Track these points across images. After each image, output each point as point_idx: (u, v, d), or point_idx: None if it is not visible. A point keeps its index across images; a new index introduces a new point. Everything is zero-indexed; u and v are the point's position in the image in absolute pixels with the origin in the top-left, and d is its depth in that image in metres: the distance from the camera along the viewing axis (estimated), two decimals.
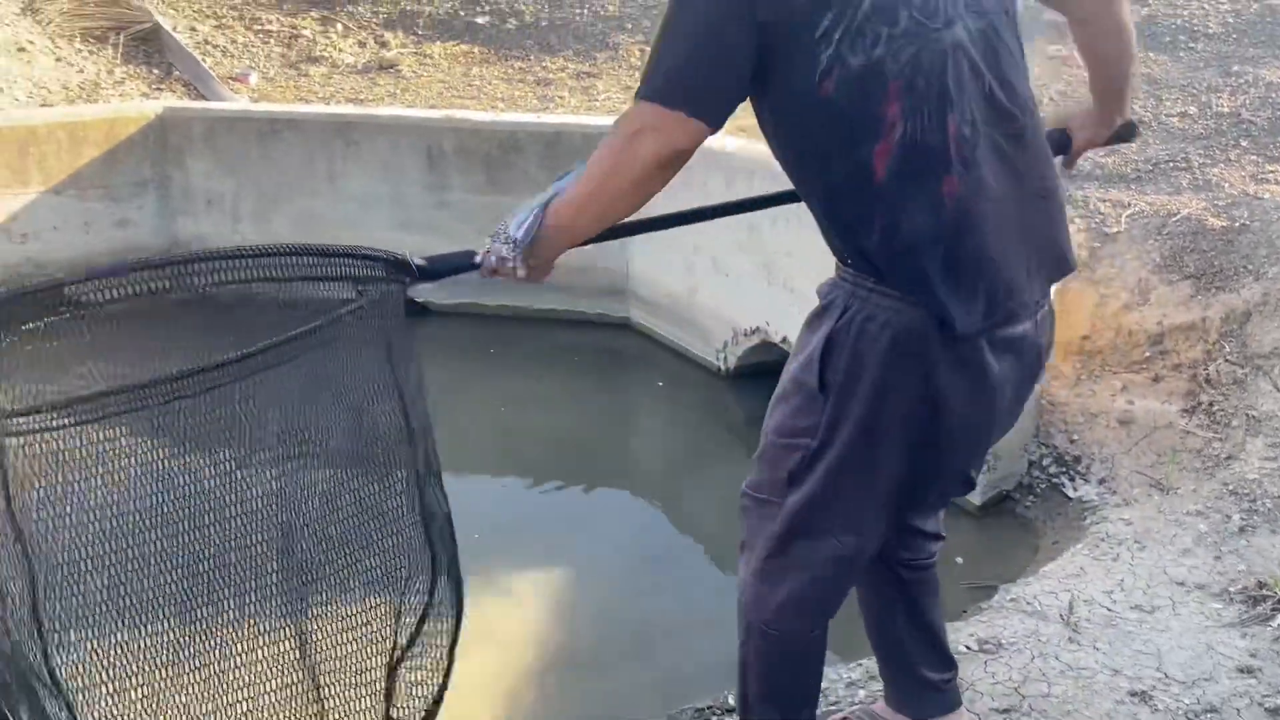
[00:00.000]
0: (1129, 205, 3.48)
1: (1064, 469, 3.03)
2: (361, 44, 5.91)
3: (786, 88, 1.42)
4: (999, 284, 1.51)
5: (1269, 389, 2.75)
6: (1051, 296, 1.65)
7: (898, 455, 1.58)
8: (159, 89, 5.32)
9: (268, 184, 4.59)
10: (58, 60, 5.46)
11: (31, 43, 5.47)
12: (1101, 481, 2.93)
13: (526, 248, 1.53)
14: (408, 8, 6.18)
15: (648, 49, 5.72)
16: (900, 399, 1.53)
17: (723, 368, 4.01)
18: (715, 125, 1.41)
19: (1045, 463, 3.06)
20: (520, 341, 4.41)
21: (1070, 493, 2.96)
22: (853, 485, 1.61)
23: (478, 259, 1.57)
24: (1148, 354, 3.11)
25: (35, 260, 4.45)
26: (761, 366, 3.77)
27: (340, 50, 5.81)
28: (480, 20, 6.05)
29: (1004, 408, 1.64)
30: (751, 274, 3.76)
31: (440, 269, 1.57)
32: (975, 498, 2.99)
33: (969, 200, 1.46)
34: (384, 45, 5.88)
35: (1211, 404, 2.89)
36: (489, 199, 4.45)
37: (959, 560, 2.86)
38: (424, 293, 4.61)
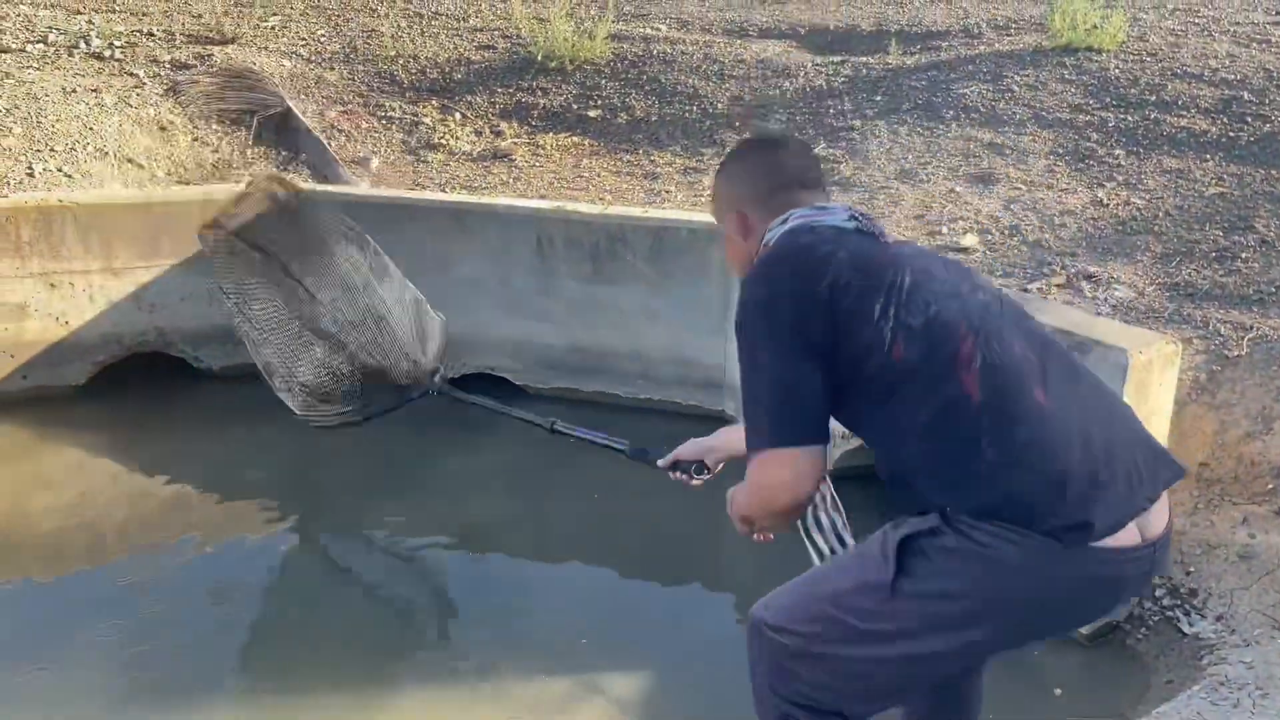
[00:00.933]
0: (1251, 328, 3.37)
1: (1179, 602, 2.89)
2: (478, 133, 6.14)
3: (863, 366, 1.62)
4: (1119, 479, 1.58)
5: None
6: (1167, 513, 1.68)
7: (953, 657, 1.68)
8: (286, 170, 5.59)
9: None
10: (195, 140, 5.80)
11: (173, 122, 5.83)
12: (1219, 618, 2.79)
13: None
14: (523, 99, 6.41)
15: None
16: (994, 628, 1.62)
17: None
18: (825, 440, 1.64)
19: (1159, 594, 2.93)
20: (614, 429, 4.44)
21: (1185, 628, 2.82)
22: (890, 676, 1.70)
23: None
24: (1270, 486, 2.98)
25: (160, 329, 4.67)
26: (861, 470, 3.71)
27: (457, 138, 6.05)
28: (592, 114, 6.24)
29: (1093, 614, 1.74)
30: None
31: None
32: (1083, 628, 2.88)
33: (1065, 408, 1.60)
34: (499, 135, 6.10)
35: None
36: (594, 289, 4.54)
37: (1058, 692, 2.75)
38: (521, 375, 4.69)
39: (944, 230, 4.45)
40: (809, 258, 1.68)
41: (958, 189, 4.91)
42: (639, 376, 4.60)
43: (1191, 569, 2.92)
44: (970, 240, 4.31)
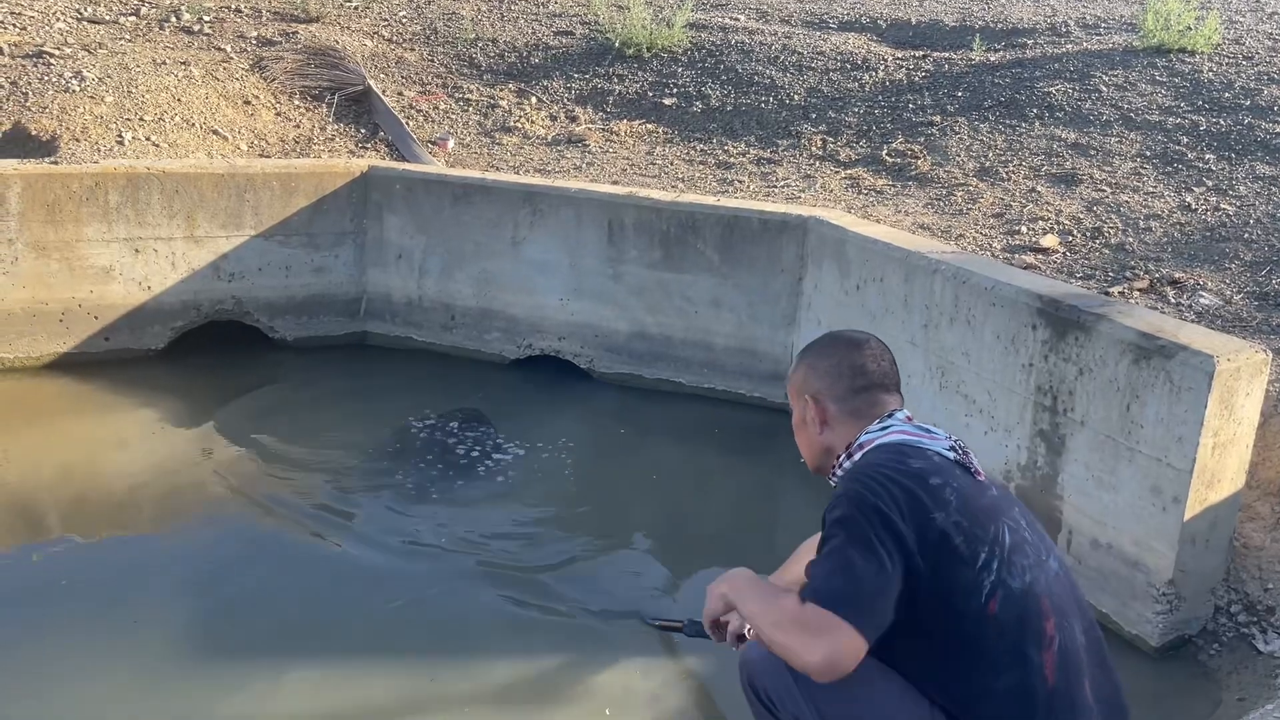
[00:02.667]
0: None
1: (1255, 619, 2.80)
2: (553, 117, 6.16)
3: (949, 608, 1.65)
4: None
5: None
6: None
7: None
8: (364, 147, 5.68)
9: (455, 244, 4.80)
10: (277, 115, 5.91)
11: (257, 97, 5.95)
12: None
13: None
14: (599, 85, 6.42)
15: (829, 139, 5.75)
16: None
17: None
18: (870, 640, 1.62)
19: (1234, 610, 2.84)
20: (677, 416, 4.44)
21: (1260, 646, 2.73)
22: None
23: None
24: None
25: (237, 297, 4.78)
26: None
27: (533, 122, 6.08)
28: (667, 101, 6.22)
29: None
30: (922, 375, 3.68)
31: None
32: (1153, 638, 2.80)
33: (1101, 701, 1.70)
34: (574, 120, 6.12)
35: None
36: (663, 275, 4.54)
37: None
38: (585, 359, 4.71)
39: (1023, 230, 4.36)
40: (925, 485, 1.69)
41: (1039, 189, 4.80)
42: (704, 365, 4.59)
43: (1270, 586, 2.83)
44: (1050, 241, 4.21)
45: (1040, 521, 1.89)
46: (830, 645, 1.58)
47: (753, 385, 4.52)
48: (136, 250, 4.56)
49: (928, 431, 1.84)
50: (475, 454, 4.01)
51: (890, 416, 1.88)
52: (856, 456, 1.85)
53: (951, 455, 1.79)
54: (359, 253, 4.92)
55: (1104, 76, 5.80)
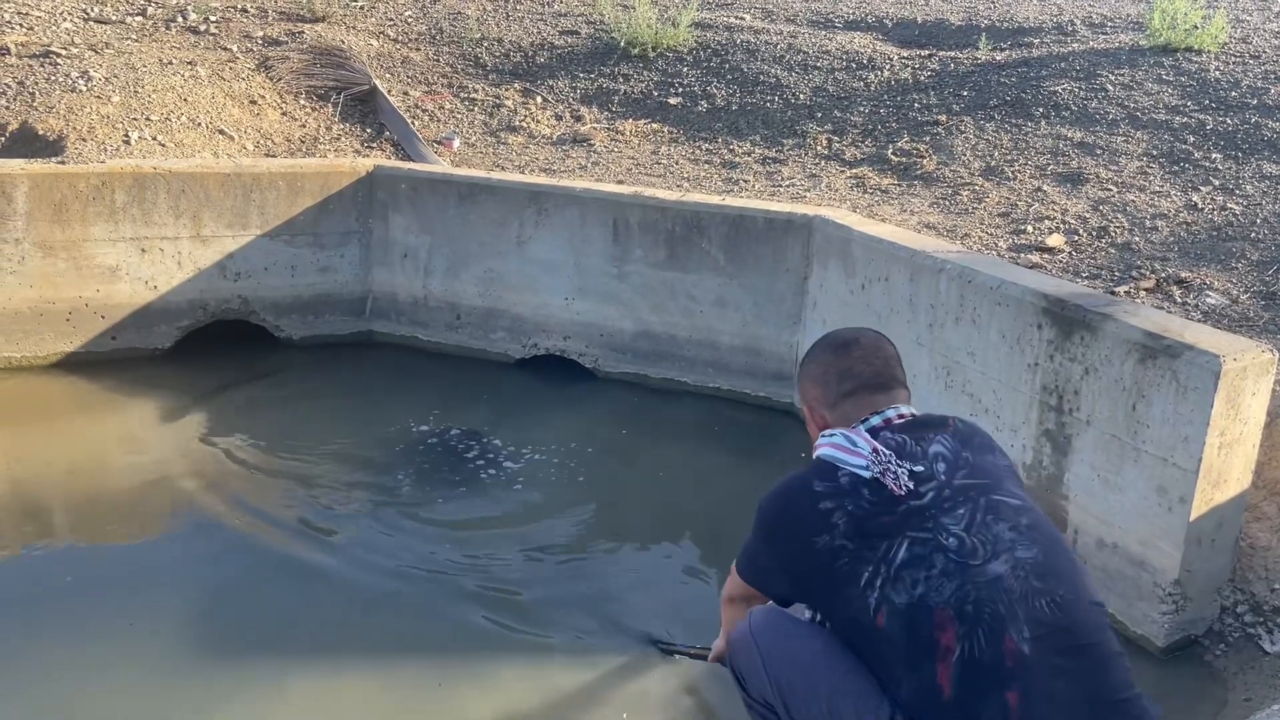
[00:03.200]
0: None
1: (1261, 619, 2.79)
2: (558, 117, 6.17)
3: (846, 616, 1.76)
4: None
5: None
6: None
7: None
8: (370, 146, 5.68)
9: (460, 243, 4.81)
10: (283, 114, 5.92)
11: (263, 96, 5.96)
12: None
13: None
14: (604, 85, 6.42)
15: (834, 138, 5.75)
16: None
17: None
18: (755, 594, 2.04)
19: (1240, 610, 2.83)
20: (682, 416, 4.44)
21: (1268, 646, 2.73)
22: None
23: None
24: None
25: (243, 297, 4.79)
26: None
27: (538, 122, 6.08)
28: (672, 101, 6.22)
29: None
30: (928, 375, 3.67)
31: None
32: (1159, 639, 2.80)
33: (1034, 713, 1.62)
34: (579, 119, 6.12)
35: None
36: (668, 274, 4.54)
37: None
38: (591, 359, 4.71)
39: (1029, 229, 4.35)
40: (811, 510, 1.81)
41: (1045, 188, 4.79)
42: (709, 365, 4.59)
43: (1276, 586, 2.82)
44: (1056, 240, 4.20)
45: (1030, 516, 1.82)
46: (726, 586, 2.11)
47: (758, 385, 4.52)
48: (143, 250, 4.58)
49: (852, 446, 1.85)
50: (480, 459, 4.02)
51: (865, 421, 1.90)
52: (778, 484, 1.94)
53: (866, 474, 1.80)
54: (365, 252, 4.93)
55: (1110, 75, 5.79)
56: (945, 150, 5.30)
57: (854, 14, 7.50)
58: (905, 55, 6.50)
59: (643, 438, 4.28)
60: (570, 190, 4.66)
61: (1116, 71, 5.84)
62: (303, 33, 6.70)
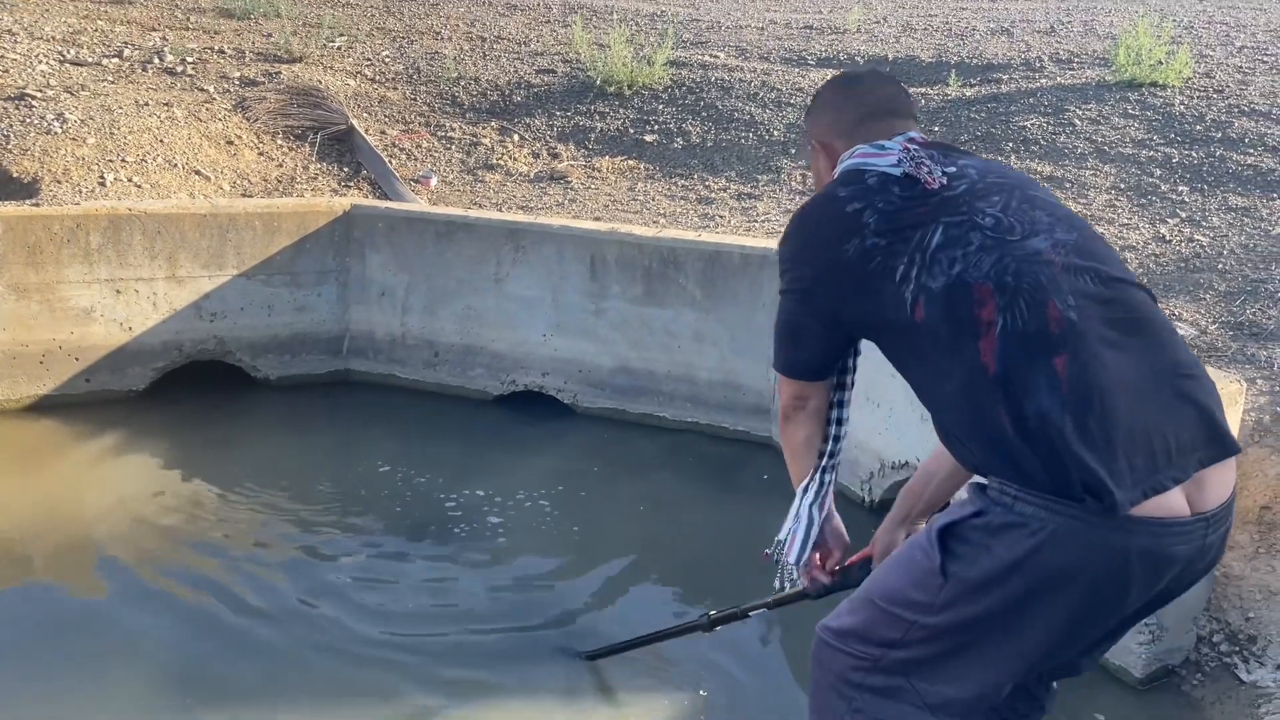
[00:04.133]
0: None
1: (1237, 648, 2.81)
2: (535, 154, 6.21)
3: (888, 326, 1.68)
4: (1138, 452, 1.52)
5: None
6: (1225, 489, 1.59)
7: (1012, 654, 1.61)
8: (347, 185, 5.70)
9: (438, 281, 4.82)
10: (260, 154, 5.93)
11: (240, 137, 5.98)
12: (1279, 667, 2.71)
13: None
14: (581, 123, 6.48)
15: (809, 174, 5.78)
16: (1038, 610, 1.57)
17: (867, 499, 3.93)
18: (818, 381, 1.89)
19: (1216, 639, 2.85)
20: (660, 452, 4.44)
21: (1243, 675, 2.74)
22: (953, 672, 1.62)
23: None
24: None
25: (219, 337, 4.77)
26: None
27: (515, 159, 6.13)
28: (648, 138, 6.28)
29: (1149, 597, 1.62)
30: (904, 405, 3.70)
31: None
32: (1136, 669, 2.81)
33: (1087, 375, 1.53)
34: (556, 157, 6.17)
35: None
36: (645, 310, 4.56)
37: None
38: (569, 394, 4.71)
39: None
40: (838, 215, 1.71)
41: None
42: (686, 400, 4.60)
43: (1251, 615, 2.84)
44: None
45: (1066, 210, 1.75)
46: (787, 397, 1.93)
47: (736, 419, 4.53)
48: (118, 291, 4.56)
49: (883, 149, 1.77)
50: (457, 498, 4.00)
51: (891, 139, 1.81)
52: (806, 203, 1.85)
53: (897, 170, 1.72)
54: (342, 291, 4.92)
55: (1078, 110, 5.90)
56: None
57: (826, 51, 7.61)
58: None
59: (620, 473, 4.28)
60: (547, 227, 4.68)
61: (1084, 106, 5.95)
62: (279, 73, 6.74)
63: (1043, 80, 6.54)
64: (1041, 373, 1.53)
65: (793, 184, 5.64)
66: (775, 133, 6.15)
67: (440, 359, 4.91)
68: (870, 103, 1.88)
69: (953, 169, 1.72)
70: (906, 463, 3.71)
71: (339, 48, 7.46)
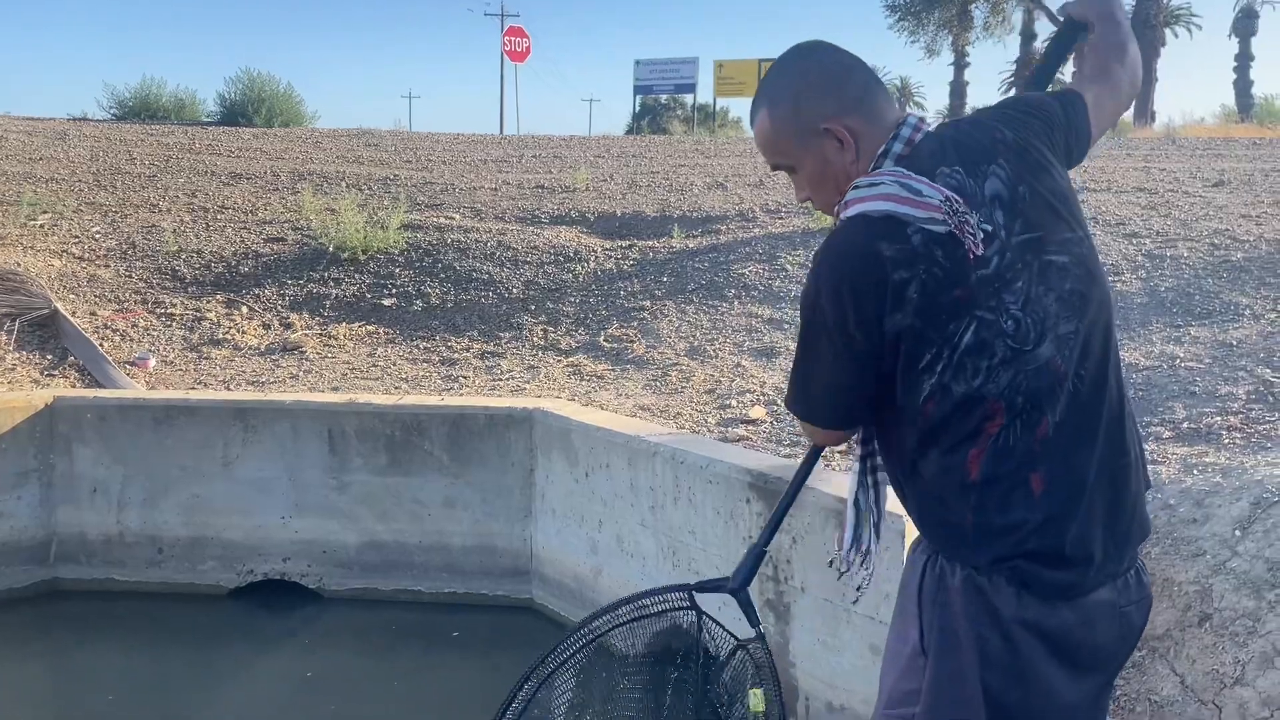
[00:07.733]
0: None
1: None
2: (266, 326, 5.98)
3: (892, 403, 1.63)
4: (1082, 558, 1.63)
5: (1166, 672, 2.78)
6: (1146, 570, 1.73)
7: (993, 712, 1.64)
8: (51, 374, 5.23)
9: (159, 471, 4.46)
10: None
11: None
12: None
13: None
14: (314, 290, 6.33)
15: (549, 328, 5.89)
16: (990, 651, 1.61)
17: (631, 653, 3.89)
18: (853, 431, 1.76)
19: None
20: (417, 628, 4.24)
21: None
22: None
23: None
24: None
25: None
26: (670, 653, 3.66)
27: (244, 333, 5.87)
28: (387, 302, 6.22)
29: (1091, 671, 1.68)
30: (655, 555, 3.74)
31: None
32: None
33: (1058, 490, 1.61)
34: (288, 327, 5.97)
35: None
36: (391, 480, 4.41)
37: None
38: (314, 579, 4.44)
39: (733, 403, 4.63)
40: (882, 282, 1.53)
41: (744, 363, 5.14)
42: (441, 570, 4.44)
43: None
44: (758, 412, 4.48)
45: (1073, 271, 1.64)
46: (822, 440, 1.84)
47: (493, 584, 4.41)
48: None
49: (917, 196, 1.55)
50: (188, 713, 3.62)
51: (896, 135, 1.64)
52: (850, 210, 1.60)
53: (942, 229, 1.54)
54: (46, 491, 4.45)
55: (788, 256, 6.40)
56: (652, 334, 5.60)
57: (558, 209, 7.91)
58: (608, 246, 6.90)
59: (372, 655, 4.04)
60: (279, 403, 4.48)
61: (793, 252, 6.47)
62: None
63: (756, 230, 7.08)
64: (1019, 488, 1.59)
65: (535, 339, 5.72)
66: (514, 290, 6.26)
67: (165, 555, 4.50)
68: (851, 68, 1.68)
69: (988, 226, 1.58)
70: None
71: (42, 225, 6.97)
